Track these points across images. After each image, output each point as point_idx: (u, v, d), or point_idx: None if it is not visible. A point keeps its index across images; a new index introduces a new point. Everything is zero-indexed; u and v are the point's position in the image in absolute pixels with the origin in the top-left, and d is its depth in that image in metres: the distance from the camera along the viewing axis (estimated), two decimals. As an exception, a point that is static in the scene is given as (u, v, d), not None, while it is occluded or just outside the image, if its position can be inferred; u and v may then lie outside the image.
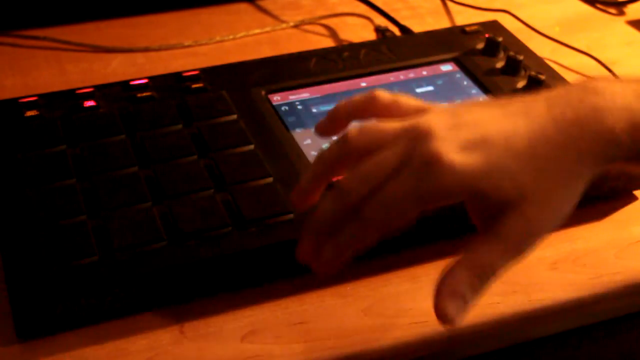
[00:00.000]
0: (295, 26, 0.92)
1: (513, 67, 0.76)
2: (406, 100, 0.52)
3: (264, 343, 0.55)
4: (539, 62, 0.78)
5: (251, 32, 0.89)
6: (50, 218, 0.58)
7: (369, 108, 0.52)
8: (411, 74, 0.76)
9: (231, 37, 0.89)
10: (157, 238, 0.57)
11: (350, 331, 0.56)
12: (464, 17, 0.93)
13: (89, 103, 0.69)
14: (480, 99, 0.73)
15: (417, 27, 0.88)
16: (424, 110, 0.50)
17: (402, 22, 0.89)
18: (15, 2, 0.87)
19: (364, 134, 0.49)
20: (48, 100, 0.70)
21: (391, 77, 0.76)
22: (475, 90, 0.75)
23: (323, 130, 0.55)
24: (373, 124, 0.50)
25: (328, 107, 0.71)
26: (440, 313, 0.48)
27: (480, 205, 0.49)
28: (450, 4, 0.96)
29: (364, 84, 0.75)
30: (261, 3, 0.95)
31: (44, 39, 0.86)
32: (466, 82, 0.76)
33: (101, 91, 0.71)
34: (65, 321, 0.55)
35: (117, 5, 0.91)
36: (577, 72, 0.84)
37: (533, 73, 0.74)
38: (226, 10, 0.93)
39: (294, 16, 0.93)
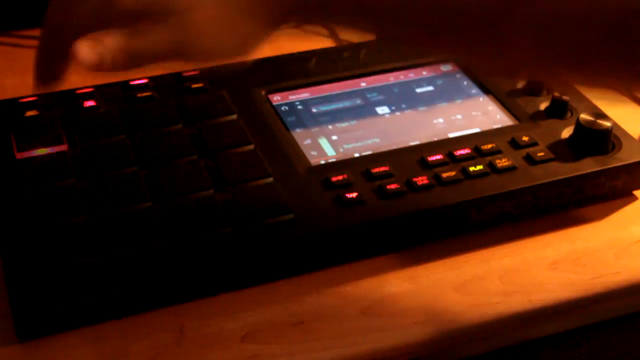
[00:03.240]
0: (295, 26, 0.91)
1: (513, 67, 0.76)
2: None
3: (264, 343, 0.55)
4: (539, 62, 0.78)
5: (251, 32, 0.89)
6: (51, 218, 0.58)
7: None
8: (411, 74, 0.76)
9: (231, 37, 0.88)
10: (157, 238, 0.57)
11: (350, 331, 0.56)
12: (464, 17, 0.92)
13: (89, 103, 0.69)
14: (480, 99, 0.73)
15: (417, 27, 0.88)
16: None
17: (402, 22, 0.89)
18: (15, 2, 0.87)
19: None
20: (48, 100, 0.70)
21: (391, 77, 0.76)
22: (475, 90, 0.75)
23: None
24: None
25: (328, 107, 0.72)
26: (75, 54, 0.52)
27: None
28: (450, 4, 0.95)
29: (364, 84, 0.75)
30: (261, 3, 0.95)
31: (44, 39, 0.86)
32: (466, 82, 0.76)
33: (101, 91, 0.71)
34: (65, 321, 0.55)
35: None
36: (577, 72, 0.84)
37: (533, 73, 0.74)
38: (226, 10, 0.93)
39: (294, 16, 0.93)
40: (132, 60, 0.52)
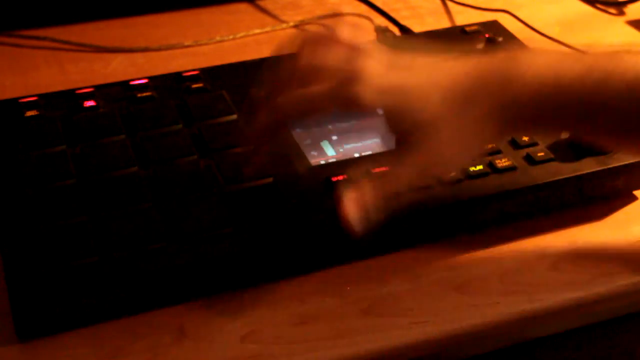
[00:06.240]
0: (295, 26, 0.92)
1: (513, 67, 0.76)
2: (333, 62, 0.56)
3: (264, 343, 0.55)
4: (539, 62, 0.78)
5: (251, 32, 0.89)
6: (50, 218, 0.58)
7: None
8: (411, 74, 0.76)
9: (231, 37, 0.89)
10: (157, 238, 0.57)
11: (350, 331, 0.56)
12: (464, 17, 0.93)
13: (89, 103, 0.69)
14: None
15: (417, 27, 0.88)
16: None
17: (402, 22, 0.89)
18: (15, 2, 0.87)
19: (293, 102, 0.56)
20: (48, 100, 0.70)
21: (391, 77, 0.76)
22: (475, 90, 0.74)
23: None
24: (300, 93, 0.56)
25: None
26: (345, 222, 0.52)
27: (395, 121, 0.54)
28: (450, 4, 0.96)
29: (364, 84, 0.74)
30: (261, 3, 0.95)
31: (44, 39, 0.86)
32: (466, 82, 0.76)
33: (101, 91, 0.71)
34: (65, 321, 0.55)
35: (117, 5, 0.91)
36: (577, 72, 0.84)
37: (533, 73, 0.74)
38: (226, 10, 0.94)
39: (294, 16, 0.93)
40: (393, 197, 0.53)
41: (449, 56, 0.57)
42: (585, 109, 0.55)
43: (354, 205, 0.52)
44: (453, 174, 0.58)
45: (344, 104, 0.55)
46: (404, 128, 0.54)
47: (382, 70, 0.54)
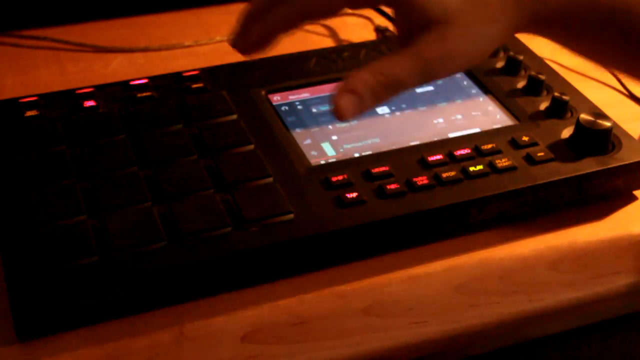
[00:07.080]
0: (295, 26, 0.91)
1: (513, 67, 0.76)
2: None
3: (264, 343, 0.55)
4: (539, 62, 0.78)
5: (251, 32, 0.89)
6: (50, 218, 0.58)
7: None
8: (411, 74, 0.76)
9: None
10: (157, 238, 0.57)
11: (350, 331, 0.56)
12: (464, 17, 0.92)
13: (89, 103, 0.69)
14: (480, 100, 0.73)
15: (417, 27, 0.88)
16: None
17: (402, 22, 0.89)
18: (15, 2, 0.87)
19: None
20: (48, 100, 0.70)
21: (391, 77, 0.76)
22: (475, 90, 0.75)
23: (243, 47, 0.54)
24: None
25: (328, 107, 0.71)
26: (334, 103, 0.49)
27: (405, 17, 0.51)
28: (450, 4, 0.95)
29: (364, 84, 0.75)
30: (261, 3, 0.95)
31: (44, 39, 0.86)
32: (466, 82, 0.76)
33: (101, 91, 0.71)
34: (65, 321, 0.55)
35: (117, 5, 0.91)
36: (577, 72, 0.84)
37: (533, 73, 0.74)
38: (226, 10, 0.93)
39: (294, 16, 0.93)
40: (390, 91, 0.50)
41: None
42: (615, 19, 0.52)
43: (347, 89, 0.50)
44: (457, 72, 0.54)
45: None
46: (413, 27, 0.51)
47: None
